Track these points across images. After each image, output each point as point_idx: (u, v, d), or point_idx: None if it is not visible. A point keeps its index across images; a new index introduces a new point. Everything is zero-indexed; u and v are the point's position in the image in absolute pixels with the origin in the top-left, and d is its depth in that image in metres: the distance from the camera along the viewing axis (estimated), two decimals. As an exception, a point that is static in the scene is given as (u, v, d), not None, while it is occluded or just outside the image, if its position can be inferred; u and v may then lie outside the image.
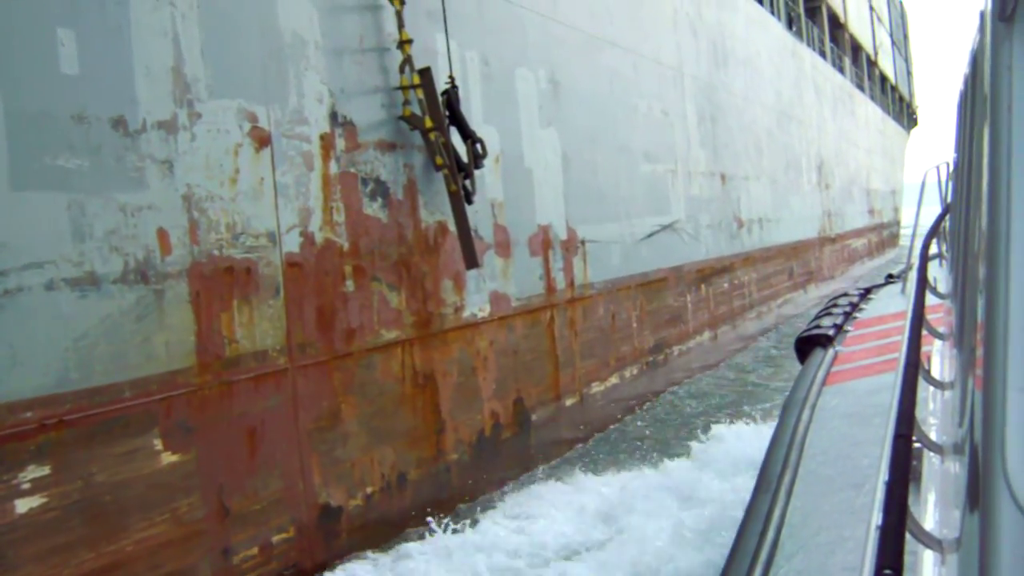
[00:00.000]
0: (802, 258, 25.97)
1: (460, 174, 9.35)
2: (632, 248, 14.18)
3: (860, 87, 41.61)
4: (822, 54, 32.34)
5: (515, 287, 10.85)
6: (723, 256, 18.61)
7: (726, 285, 18.71)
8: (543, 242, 11.58)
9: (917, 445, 3.45)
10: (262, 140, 7.37)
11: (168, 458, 6.30)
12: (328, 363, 7.84)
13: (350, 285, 8.16)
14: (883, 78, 51.16)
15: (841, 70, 36.67)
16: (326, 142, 8.06)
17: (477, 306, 10.07)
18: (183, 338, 6.51)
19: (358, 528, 7.96)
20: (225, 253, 6.92)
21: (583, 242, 12.60)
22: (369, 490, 8.19)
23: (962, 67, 4.41)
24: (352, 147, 8.37)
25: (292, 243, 7.57)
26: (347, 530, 7.85)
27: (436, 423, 9.26)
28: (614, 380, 13.26)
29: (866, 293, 10.11)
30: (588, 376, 12.51)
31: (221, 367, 6.78)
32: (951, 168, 7.52)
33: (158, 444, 6.24)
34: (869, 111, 42.90)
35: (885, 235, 43.13)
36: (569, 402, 11.97)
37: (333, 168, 8.12)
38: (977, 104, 3.02)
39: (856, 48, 42.38)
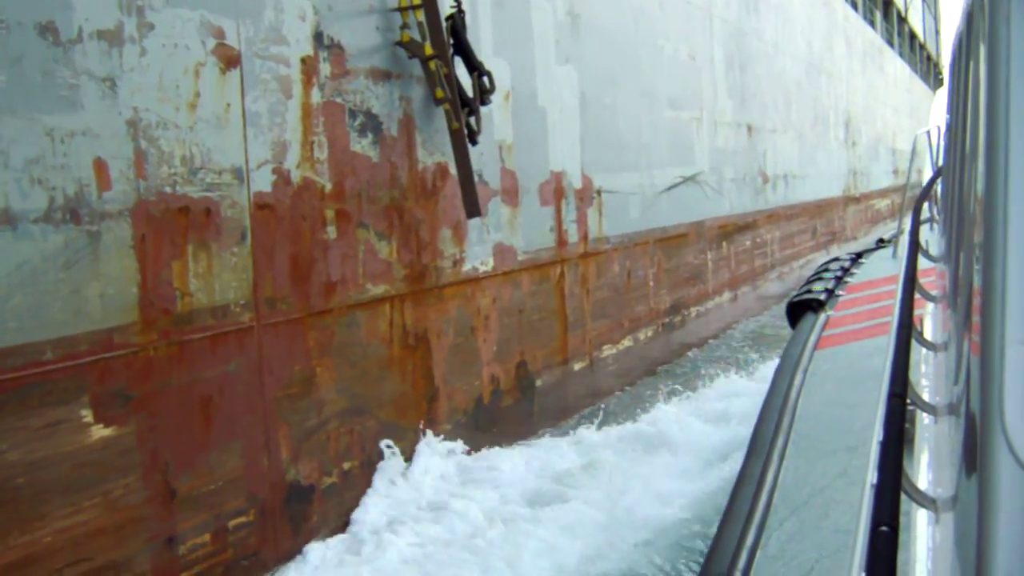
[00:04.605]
0: (826, 217, 24.89)
1: (464, 110, 8.27)
2: (652, 200, 13.09)
3: (889, 43, 40.12)
4: (854, 6, 30.89)
5: (522, 239, 9.80)
6: (747, 212, 17.55)
7: (748, 243, 17.68)
8: (555, 190, 10.50)
9: (910, 407, 3.40)
10: (230, 60, 6.29)
11: (100, 432, 5.30)
12: (302, 320, 6.82)
13: (332, 232, 7.12)
14: (912, 35, 49.51)
15: (872, 24, 35.21)
16: (308, 66, 6.97)
17: (479, 259, 9.03)
18: (123, 290, 5.48)
19: (333, 509, 7.00)
20: (179, 191, 5.86)
21: (599, 192, 11.52)
22: (347, 466, 7.21)
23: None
24: (339, 74, 7.28)
25: (263, 181, 6.51)
26: (319, 512, 6.89)
27: (428, 389, 8.27)
28: (627, 343, 12.25)
29: (857, 258, 9.95)
30: (599, 338, 11.50)
31: (170, 324, 5.75)
32: (942, 131, 7.56)
33: (87, 415, 5.23)
34: (898, 68, 41.42)
35: (908, 196, 41.83)
36: (578, 366, 10.97)
37: (316, 97, 7.04)
38: (971, 61, 2.89)
39: (887, 2, 40.80)
